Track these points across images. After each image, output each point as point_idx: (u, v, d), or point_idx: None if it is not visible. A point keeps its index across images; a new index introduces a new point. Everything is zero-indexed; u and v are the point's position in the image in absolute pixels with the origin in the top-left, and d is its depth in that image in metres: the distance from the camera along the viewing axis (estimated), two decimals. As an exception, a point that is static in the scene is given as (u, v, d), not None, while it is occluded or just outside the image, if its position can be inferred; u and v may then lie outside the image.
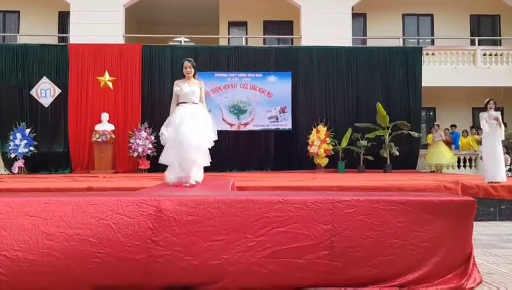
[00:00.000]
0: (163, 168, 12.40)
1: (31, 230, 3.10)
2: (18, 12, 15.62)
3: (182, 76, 5.62)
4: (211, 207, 3.13)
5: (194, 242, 3.10)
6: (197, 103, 5.49)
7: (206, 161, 5.43)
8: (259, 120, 13.15)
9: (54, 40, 14.84)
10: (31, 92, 12.52)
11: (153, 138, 12.16)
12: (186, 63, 5.56)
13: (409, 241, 3.12)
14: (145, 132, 12.20)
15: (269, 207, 3.15)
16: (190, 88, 5.45)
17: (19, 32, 15.20)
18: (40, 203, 3.12)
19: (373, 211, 3.15)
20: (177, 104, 5.54)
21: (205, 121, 5.40)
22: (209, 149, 5.45)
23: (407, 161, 13.14)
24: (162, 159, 5.38)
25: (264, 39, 15.97)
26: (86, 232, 3.08)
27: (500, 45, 16.03)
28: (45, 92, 12.54)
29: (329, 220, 3.13)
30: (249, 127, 13.15)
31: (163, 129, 5.42)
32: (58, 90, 12.59)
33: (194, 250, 3.08)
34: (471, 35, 15.93)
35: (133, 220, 3.06)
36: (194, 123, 5.21)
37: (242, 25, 16.36)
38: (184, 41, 15.03)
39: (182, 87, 5.47)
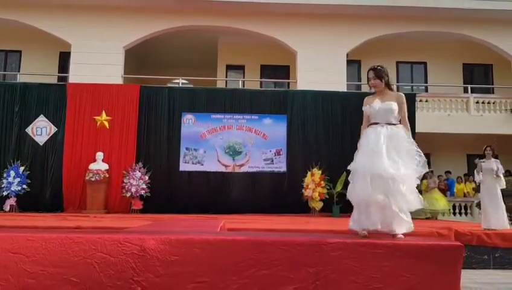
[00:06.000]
0: (155, 209, 12.35)
1: (13, 268, 3.06)
2: (20, 51, 15.91)
3: None
4: (196, 247, 3.10)
5: (178, 284, 3.06)
6: (395, 124, 4.28)
7: (412, 202, 3.94)
8: (255, 162, 13.16)
9: (54, 79, 15.06)
10: (26, 130, 12.56)
11: (147, 178, 12.16)
12: (370, 73, 4.37)
13: (394, 286, 3.08)
14: (139, 171, 12.18)
15: (255, 248, 3.12)
16: (383, 105, 4.26)
17: (19, 71, 15.42)
18: (23, 240, 3.09)
19: (359, 255, 3.13)
20: (368, 126, 4.35)
21: (407, 148, 4.19)
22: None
23: (402, 206, 13.04)
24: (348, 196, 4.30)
25: (261, 82, 16.23)
26: (68, 271, 3.04)
27: (493, 93, 16.29)
28: (41, 130, 12.59)
29: (314, 262, 3.09)
30: (244, 169, 13.14)
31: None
32: (54, 129, 12.63)
33: (177, 292, 3.03)
34: (464, 83, 16.21)
35: (115, 259, 3.03)
36: (389, 150, 4.06)
37: (239, 68, 16.66)
38: (182, 83, 15.26)
39: (372, 105, 4.31)
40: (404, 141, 4.16)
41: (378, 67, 4.36)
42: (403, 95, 4.38)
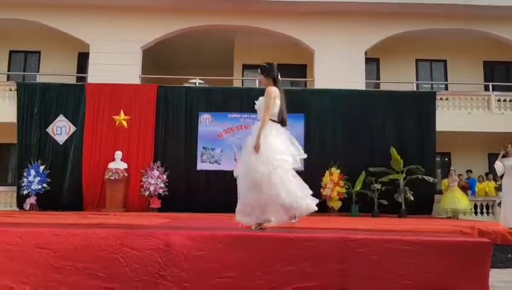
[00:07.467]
0: (173, 207, 12.36)
1: (40, 263, 3.08)
2: (39, 52, 16.10)
3: None
4: (220, 242, 3.09)
5: (203, 278, 3.05)
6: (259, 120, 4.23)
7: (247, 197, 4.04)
8: (272, 161, 13.09)
9: (72, 80, 15.19)
10: (47, 130, 12.73)
11: (165, 177, 12.22)
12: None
13: (422, 283, 3.03)
14: (157, 170, 12.25)
15: (279, 244, 3.10)
16: (257, 102, 4.38)
17: (39, 72, 15.61)
18: (50, 235, 3.11)
19: (386, 251, 3.08)
20: None
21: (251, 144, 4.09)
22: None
23: (423, 206, 12.87)
24: None
25: (278, 82, 16.12)
26: (95, 266, 3.05)
27: (514, 91, 16.01)
28: (61, 129, 12.74)
29: (340, 259, 3.06)
30: (261, 168, 13.08)
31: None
32: (73, 128, 12.77)
33: (202, 287, 3.02)
34: (485, 81, 15.94)
35: (141, 254, 3.03)
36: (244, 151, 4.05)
37: (256, 68, 16.54)
38: (199, 82, 15.29)
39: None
40: (251, 136, 4.10)
41: (264, 64, 4.38)
42: (269, 89, 4.29)
